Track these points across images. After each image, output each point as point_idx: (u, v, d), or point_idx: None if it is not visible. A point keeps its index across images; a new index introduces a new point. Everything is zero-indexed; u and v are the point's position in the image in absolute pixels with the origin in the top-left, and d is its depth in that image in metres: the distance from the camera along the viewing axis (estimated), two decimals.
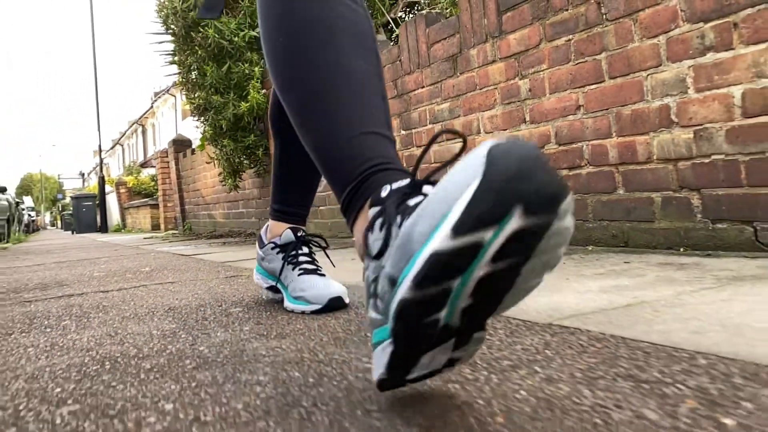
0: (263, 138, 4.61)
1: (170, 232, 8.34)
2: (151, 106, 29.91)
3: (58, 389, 0.75)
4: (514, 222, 0.40)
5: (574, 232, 2.06)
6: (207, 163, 5.90)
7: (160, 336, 1.05)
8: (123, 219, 14.53)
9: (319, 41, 0.72)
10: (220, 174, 5.03)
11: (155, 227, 10.97)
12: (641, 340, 0.78)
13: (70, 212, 18.13)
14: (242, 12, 4.41)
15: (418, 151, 2.96)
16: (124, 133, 37.00)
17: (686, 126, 1.74)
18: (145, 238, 6.76)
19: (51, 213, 53.62)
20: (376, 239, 0.56)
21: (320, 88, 0.70)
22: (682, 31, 1.73)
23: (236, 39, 4.30)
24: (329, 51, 0.71)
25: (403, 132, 3.06)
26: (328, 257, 1.40)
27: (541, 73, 2.21)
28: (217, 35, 4.19)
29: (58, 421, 0.63)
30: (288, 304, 1.21)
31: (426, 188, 0.56)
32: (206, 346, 0.94)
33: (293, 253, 1.27)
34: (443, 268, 0.43)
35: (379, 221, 0.57)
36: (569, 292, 1.19)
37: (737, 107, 1.61)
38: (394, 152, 0.68)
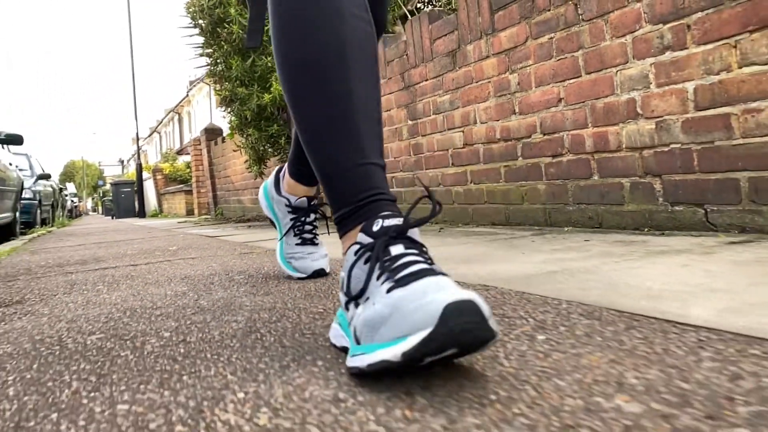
0: (285, 127, 4.86)
1: (203, 216, 8.72)
2: (187, 95, 30.60)
3: (89, 326, 1.00)
4: (449, 352, 0.55)
5: (556, 215, 2.26)
6: (234, 151, 6.20)
7: (172, 295, 1.30)
8: (160, 204, 15.07)
9: (332, 72, 0.76)
10: (246, 161, 5.32)
11: (189, 212, 11.40)
12: (535, 293, 0.99)
13: (110, 198, 18.82)
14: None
15: (423, 140, 3.16)
16: (161, 121, 37.95)
17: (649, 117, 1.91)
18: (179, 223, 7.12)
19: (92, 199, 55.27)
20: (358, 272, 0.68)
21: (326, 120, 0.76)
22: (645, 31, 1.90)
23: None
24: (340, 82, 0.76)
25: (410, 122, 3.27)
26: (327, 227, 1.58)
27: (528, 68, 2.39)
28: (241, 31, 4.45)
29: (88, 343, 0.88)
30: (277, 258, 1.45)
31: (408, 236, 0.68)
32: (206, 300, 1.19)
33: (301, 220, 1.40)
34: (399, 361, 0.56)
35: (365, 256, 0.68)
36: (514, 263, 1.40)
37: (690, 101, 1.78)
38: (385, 180, 0.78)
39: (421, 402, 0.53)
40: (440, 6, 3.29)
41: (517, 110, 2.47)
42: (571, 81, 2.19)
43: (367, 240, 0.69)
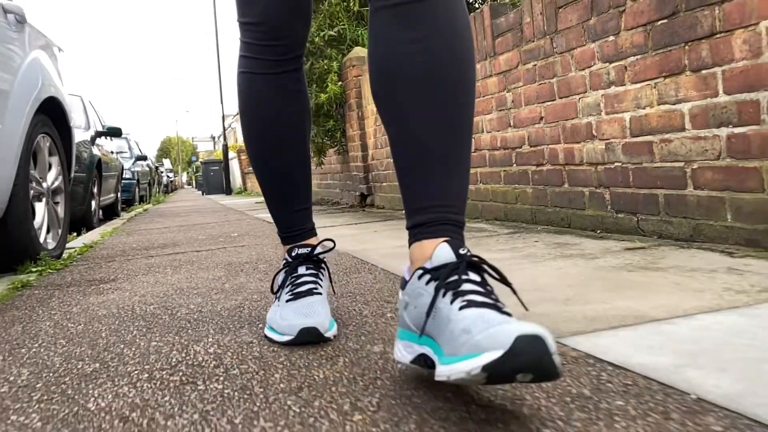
0: (341, 122, 5.42)
1: None
2: None
3: (151, 300, 1.60)
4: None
5: (539, 215, 2.68)
6: None
7: (210, 279, 1.89)
8: (244, 183, 16.18)
9: (271, 163, 1.17)
10: None
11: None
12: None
13: (201, 175, 20.28)
14: (322, 14, 5.20)
15: None
16: (229, 125, 39.70)
17: (601, 139, 2.31)
18: (256, 203, 7.90)
19: (187, 173, 58.64)
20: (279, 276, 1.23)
21: (269, 182, 1.19)
22: (598, 67, 2.28)
23: (317, 39, 5.11)
24: (278, 168, 1.17)
25: None
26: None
27: (519, 88, 2.80)
28: None
29: (147, 310, 1.47)
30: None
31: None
32: (229, 284, 1.76)
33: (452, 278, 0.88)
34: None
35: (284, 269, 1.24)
36: None
37: (627, 128, 2.16)
38: (310, 218, 1.22)
39: None
40: (500, 1, 3.65)
41: (512, 123, 2.89)
42: (549, 103, 2.59)
43: (283, 263, 1.19)
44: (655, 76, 2.01)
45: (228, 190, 15.44)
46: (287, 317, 1.06)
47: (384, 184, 4.76)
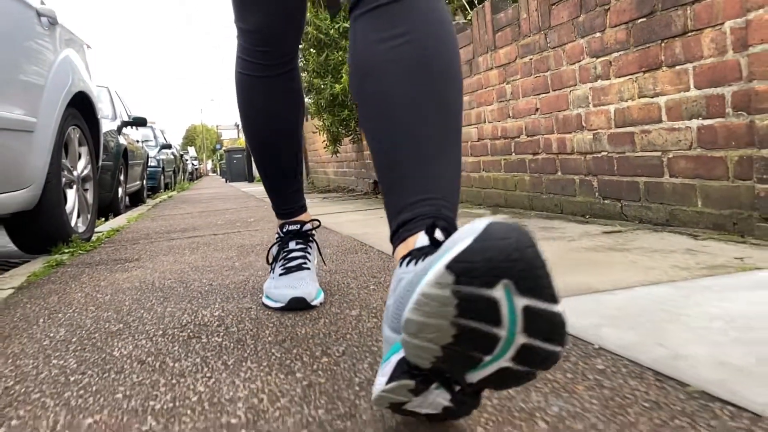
0: (355, 112, 5.59)
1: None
2: None
3: (169, 275, 1.80)
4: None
5: (535, 201, 2.83)
6: (313, 132, 7.03)
7: (223, 258, 2.08)
8: None
9: (266, 151, 1.30)
10: (323, 142, 6.13)
11: None
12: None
13: (225, 162, 20.63)
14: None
15: None
16: None
17: (589, 130, 2.44)
18: None
19: (212, 161, 59.34)
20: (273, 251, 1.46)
21: (265, 169, 1.32)
22: (586, 62, 2.41)
23: (332, 32, 5.28)
24: (272, 156, 1.30)
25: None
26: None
27: (517, 81, 2.94)
28: (315, 31, 5.19)
29: (165, 284, 1.67)
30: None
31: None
32: (239, 263, 1.96)
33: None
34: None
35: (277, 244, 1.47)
36: None
37: (612, 120, 2.30)
38: (301, 198, 1.35)
39: None
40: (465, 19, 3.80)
41: (511, 114, 3.04)
42: (544, 95, 2.73)
43: (276, 237, 1.37)
44: (636, 71, 2.14)
45: (250, 178, 15.73)
46: (280, 287, 1.24)
47: None
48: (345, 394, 0.76)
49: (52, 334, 1.19)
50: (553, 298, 0.49)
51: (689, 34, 1.89)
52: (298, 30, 1.25)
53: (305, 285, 1.24)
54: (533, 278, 0.47)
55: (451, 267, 0.46)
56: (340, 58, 5.34)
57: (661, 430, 0.61)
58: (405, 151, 0.74)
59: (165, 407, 0.77)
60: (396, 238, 0.71)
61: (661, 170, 2.07)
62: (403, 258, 0.65)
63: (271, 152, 1.32)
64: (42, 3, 2.59)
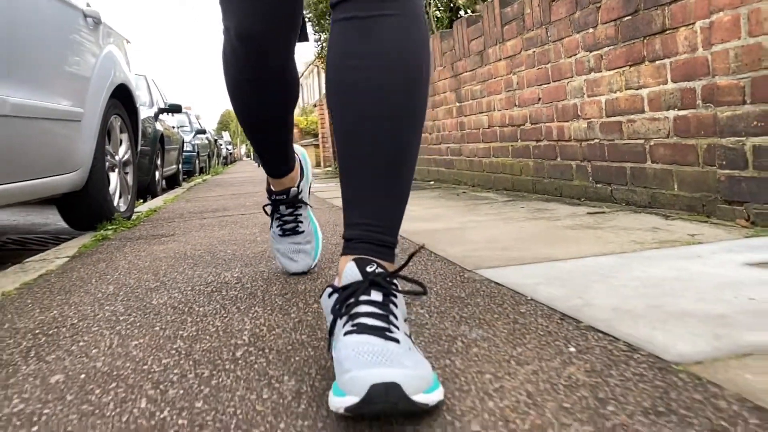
0: None
1: (327, 168, 10.03)
2: (319, 56, 32.37)
3: (200, 247, 2.07)
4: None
5: (538, 185, 3.02)
6: None
7: (247, 234, 2.35)
8: None
9: (257, 128, 1.29)
10: None
11: (318, 164, 12.86)
12: (412, 240, 1.89)
13: None
14: None
15: (465, 119, 3.97)
16: (302, 74, 40.47)
17: (584, 119, 2.62)
18: None
19: (246, 145, 60.16)
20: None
21: (258, 149, 1.34)
22: (581, 56, 2.59)
23: None
24: (262, 135, 1.30)
25: (457, 104, 4.08)
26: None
27: (522, 72, 3.13)
28: None
29: (196, 254, 1.94)
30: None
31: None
32: (261, 238, 2.22)
33: (351, 300, 0.86)
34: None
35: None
36: (446, 222, 2.27)
37: (603, 109, 2.48)
38: (288, 159, 1.36)
39: None
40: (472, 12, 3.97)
41: (517, 103, 3.22)
42: (545, 86, 2.91)
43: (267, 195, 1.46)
44: (623, 65, 2.32)
45: None
46: (283, 254, 1.45)
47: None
48: (324, 326, 1.01)
49: (103, 290, 1.46)
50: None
51: (667, 31, 2.06)
52: (294, 32, 1.16)
53: (302, 257, 1.45)
54: (408, 413, 0.63)
55: (347, 410, 0.61)
56: None
57: (543, 347, 0.83)
58: (356, 180, 0.83)
59: (190, 335, 1.03)
60: (344, 245, 0.84)
61: (644, 156, 2.25)
62: (331, 287, 0.79)
63: (261, 134, 1.32)
64: (88, 5, 2.87)
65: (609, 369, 0.74)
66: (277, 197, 1.44)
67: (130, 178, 3.45)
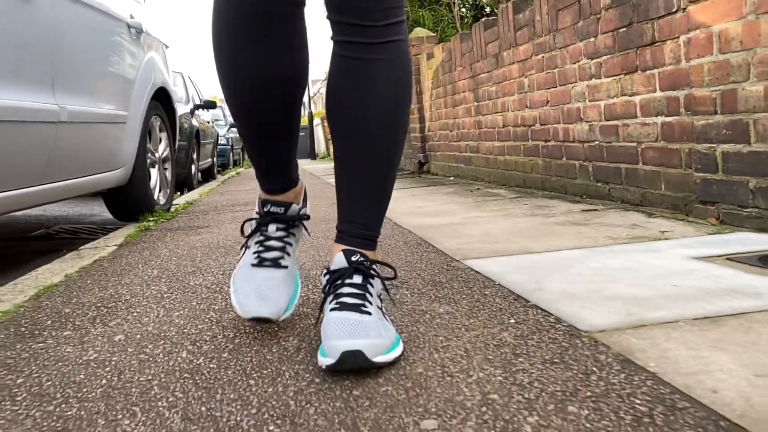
0: None
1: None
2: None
3: (230, 239, 2.34)
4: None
5: (547, 183, 3.21)
6: None
7: None
8: (327, 148, 17.12)
9: (248, 118, 1.05)
10: None
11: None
12: (414, 232, 2.12)
13: None
14: None
15: (482, 119, 4.16)
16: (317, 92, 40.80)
17: (586, 121, 2.81)
18: (332, 168, 8.68)
19: None
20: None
21: (249, 139, 1.09)
22: (583, 63, 2.77)
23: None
24: (252, 127, 1.07)
25: (475, 103, 4.28)
26: (388, 292, 1.11)
27: (533, 75, 3.31)
28: None
29: (227, 244, 2.21)
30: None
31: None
32: None
33: (338, 282, 1.00)
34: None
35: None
36: (452, 217, 2.49)
37: (602, 113, 2.66)
38: (293, 168, 1.14)
39: None
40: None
41: (528, 105, 3.41)
42: (553, 89, 3.10)
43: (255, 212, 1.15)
44: (619, 73, 2.50)
45: (313, 155, 16.44)
46: (246, 293, 1.05)
47: (437, 153, 5.35)
48: None
49: (148, 273, 1.74)
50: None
51: (656, 44, 2.24)
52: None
53: (275, 295, 1.05)
54: (372, 368, 0.86)
55: (327, 368, 0.85)
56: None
57: (490, 319, 1.06)
58: (348, 187, 1.05)
59: (220, 308, 1.28)
60: (336, 235, 1.04)
61: (637, 158, 2.44)
62: (326, 269, 1.00)
63: (256, 115, 1.06)
64: (131, 17, 3.17)
65: (533, 334, 0.96)
66: (272, 208, 1.12)
67: (168, 174, 3.76)
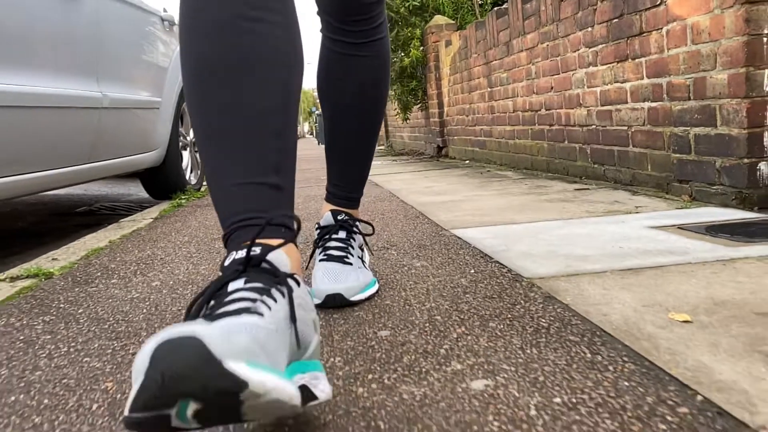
0: (423, 82, 6.22)
1: (379, 147, 10.52)
2: None
3: None
4: (193, 405, 0.45)
5: (551, 165, 3.41)
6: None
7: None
8: None
9: (216, 81, 0.75)
10: (395, 110, 6.81)
11: None
12: (418, 209, 2.35)
13: (318, 125, 21.75)
14: None
15: (495, 104, 4.35)
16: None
17: (585, 107, 2.99)
18: None
19: (308, 123, 61.33)
20: None
21: (211, 132, 0.75)
22: (583, 51, 2.94)
23: (402, 9, 5.90)
24: (223, 93, 0.75)
25: (488, 89, 4.46)
26: (367, 245, 1.29)
27: (539, 63, 3.49)
28: (386, 9, 5.83)
29: None
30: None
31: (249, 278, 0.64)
32: (302, 207, 2.73)
33: (326, 236, 1.19)
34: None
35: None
36: (455, 195, 2.71)
37: (598, 99, 2.84)
38: (270, 198, 0.75)
39: None
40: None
41: (535, 91, 3.59)
42: (556, 76, 3.27)
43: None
44: (613, 61, 2.67)
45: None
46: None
47: (455, 137, 5.54)
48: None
49: (180, 240, 2.01)
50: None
51: (643, 34, 2.41)
52: None
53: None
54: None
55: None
56: (409, 34, 5.97)
57: (455, 270, 1.29)
58: (335, 156, 1.24)
59: None
60: (326, 194, 1.25)
61: (627, 141, 2.61)
62: (317, 225, 1.22)
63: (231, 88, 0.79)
64: (164, 10, 3.44)
65: (484, 279, 1.19)
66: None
67: (198, 156, 4.05)
